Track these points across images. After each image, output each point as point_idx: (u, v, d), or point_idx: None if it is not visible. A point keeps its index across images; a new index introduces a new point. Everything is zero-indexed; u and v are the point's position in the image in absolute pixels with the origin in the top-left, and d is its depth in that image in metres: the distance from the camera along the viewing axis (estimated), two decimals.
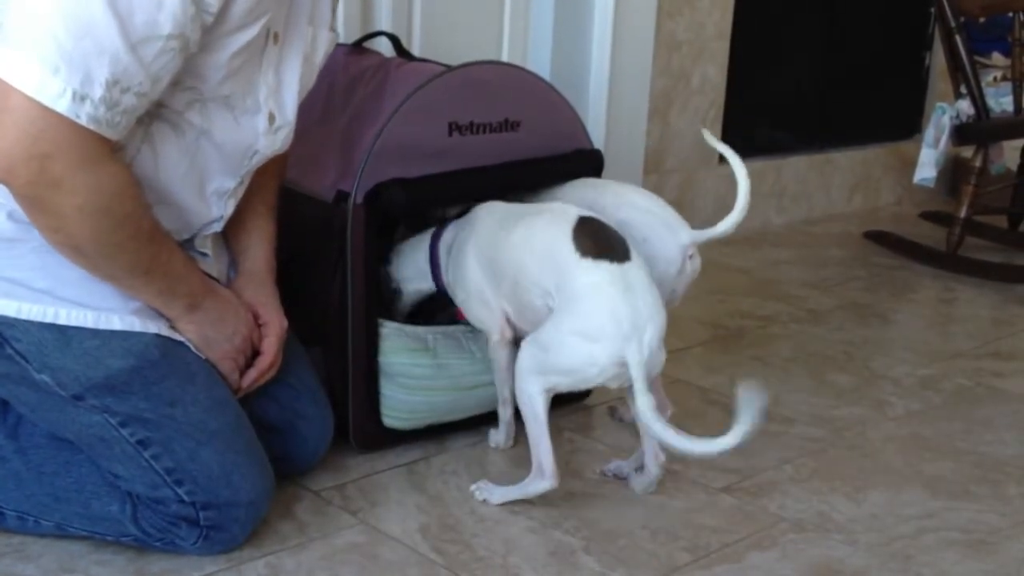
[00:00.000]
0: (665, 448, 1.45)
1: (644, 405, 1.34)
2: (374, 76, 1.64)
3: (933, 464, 1.68)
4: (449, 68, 1.59)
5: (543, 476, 1.45)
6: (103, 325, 1.25)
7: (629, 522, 1.46)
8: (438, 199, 1.60)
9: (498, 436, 1.64)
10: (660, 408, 1.50)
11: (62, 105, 1.10)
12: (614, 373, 1.38)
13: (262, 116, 1.33)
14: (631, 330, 1.36)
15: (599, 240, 1.43)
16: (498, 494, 1.49)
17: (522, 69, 1.71)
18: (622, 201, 1.58)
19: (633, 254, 1.43)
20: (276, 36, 1.30)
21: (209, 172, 1.33)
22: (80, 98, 1.11)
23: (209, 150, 1.31)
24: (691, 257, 1.55)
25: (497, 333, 1.55)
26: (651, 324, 1.38)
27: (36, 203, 1.16)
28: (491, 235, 1.53)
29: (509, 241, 1.49)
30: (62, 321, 1.24)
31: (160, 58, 1.15)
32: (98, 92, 1.11)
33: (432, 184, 1.55)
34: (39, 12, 1.09)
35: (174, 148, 1.28)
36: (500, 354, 1.56)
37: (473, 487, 1.51)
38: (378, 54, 1.73)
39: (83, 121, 1.12)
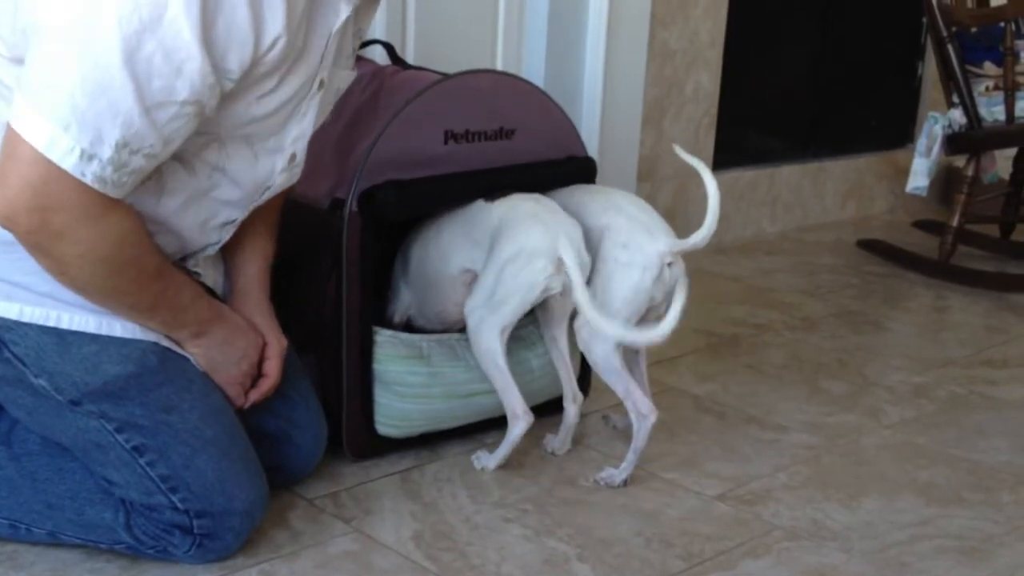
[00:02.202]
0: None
1: (581, 296, 1.46)
2: (369, 84, 1.64)
3: (927, 471, 1.68)
4: (444, 76, 1.60)
5: (518, 417, 1.54)
6: (104, 330, 1.26)
7: (623, 530, 1.46)
8: (431, 202, 1.60)
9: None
10: (645, 412, 1.52)
11: (69, 163, 1.10)
12: (554, 269, 1.49)
13: (283, 156, 1.32)
14: (556, 227, 1.50)
15: (504, 192, 1.58)
16: (492, 458, 1.58)
17: (517, 77, 1.72)
18: (608, 205, 1.59)
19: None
20: (322, 83, 1.29)
21: (217, 207, 1.32)
22: (88, 157, 1.11)
23: (222, 185, 1.30)
24: (670, 265, 1.54)
25: (398, 316, 1.69)
26: (571, 226, 1.52)
27: (38, 249, 1.17)
28: (418, 230, 1.65)
29: (422, 233, 1.63)
30: (64, 325, 1.24)
31: (174, 122, 1.14)
32: (107, 153, 1.11)
33: (425, 187, 1.56)
34: (58, 67, 1.09)
35: (182, 185, 1.27)
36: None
37: (473, 457, 1.61)
38: (372, 62, 1.73)
39: (88, 180, 1.12)
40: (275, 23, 1.16)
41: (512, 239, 1.51)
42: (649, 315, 1.56)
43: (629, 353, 1.61)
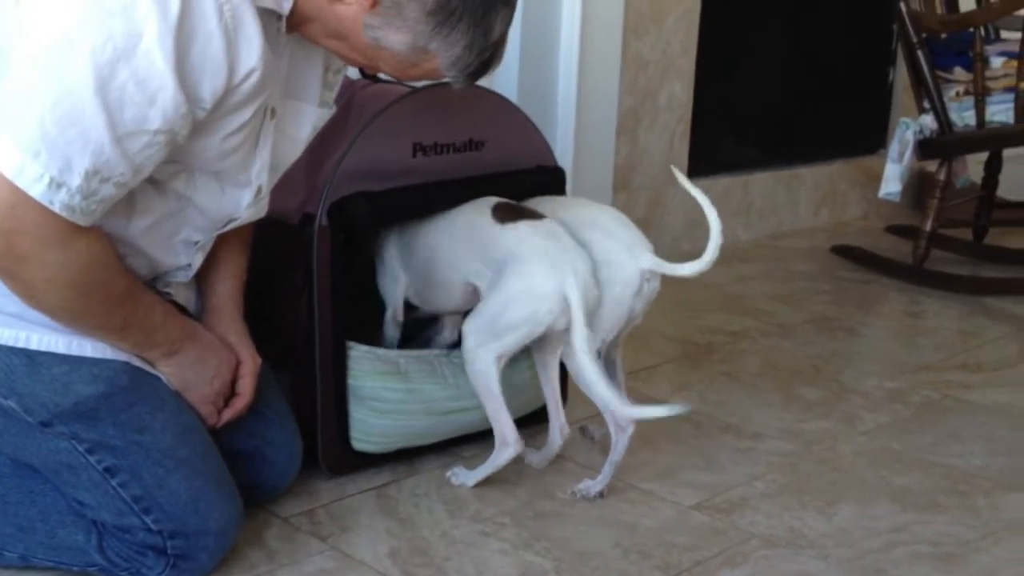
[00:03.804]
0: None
1: (580, 339, 1.46)
2: (339, 99, 1.63)
3: (902, 477, 1.69)
4: (413, 89, 1.60)
5: (507, 444, 1.53)
6: (75, 351, 1.25)
7: (600, 542, 1.46)
8: (401, 213, 1.60)
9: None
10: (624, 425, 1.53)
11: (37, 190, 1.10)
12: (560, 310, 1.48)
13: (250, 190, 1.32)
14: (566, 265, 1.48)
15: (514, 210, 1.57)
16: (472, 476, 1.57)
17: (485, 89, 1.72)
18: (584, 220, 1.58)
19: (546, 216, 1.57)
20: (272, 111, 1.29)
21: (179, 228, 1.32)
22: (57, 185, 1.10)
23: (187, 213, 1.30)
24: (648, 280, 1.55)
25: (391, 309, 1.67)
26: (580, 260, 1.49)
27: (6, 273, 1.16)
28: (413, 224, 1.64)
29: (429, 226, 1.61)
30: (33, 346, 1.24)
31: (145, 151, 1.14)
32: (76, 181, 1.11)
33: (395, 198, 1.55)
34: (30, 94, 1.09)
35: (153, 206, 1.27)
36: (390, 330, 1.68)
37: (449, 473, 1.59)
38: (344, 77, 1.73)
39: (56, 208, 1.11)
40: (250, 56, 1.16)
41: (520, 275, 1.49)
42: (626, 329, 1.58)
43: (607, 365, 1.61)
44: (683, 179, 1.55)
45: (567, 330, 1.49)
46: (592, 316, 1.50)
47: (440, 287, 1.62)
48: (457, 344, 1.61)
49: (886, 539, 1.50)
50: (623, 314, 1.54)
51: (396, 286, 1.67)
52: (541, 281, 1.48)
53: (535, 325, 1.49)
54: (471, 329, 1.52)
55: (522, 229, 1.53)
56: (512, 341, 1.50)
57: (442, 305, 1.65)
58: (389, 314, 1.68)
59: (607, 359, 1.61)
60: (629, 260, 1.54)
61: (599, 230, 1.57)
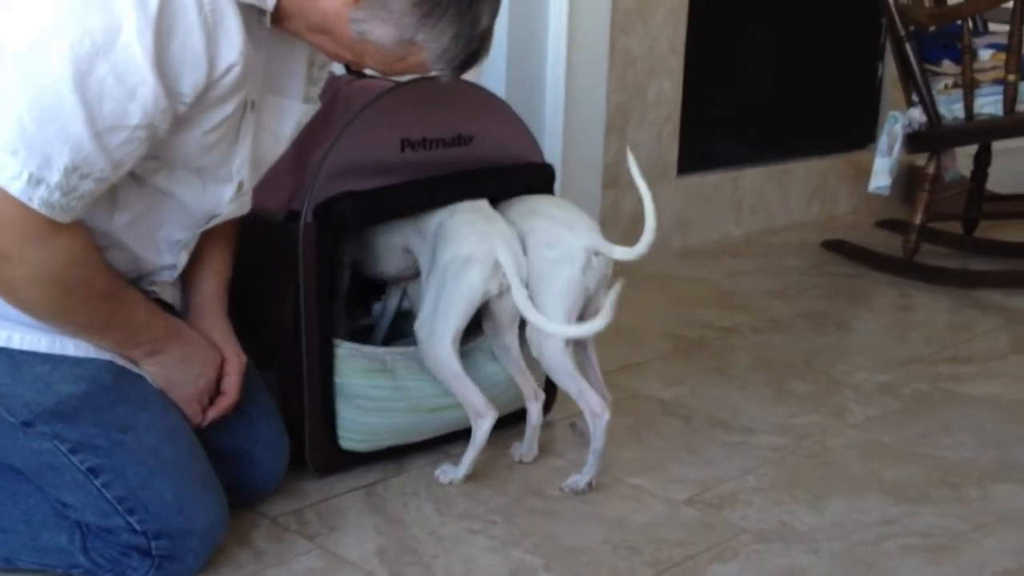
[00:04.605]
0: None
1: (520, 296, 1.49)
2: (324, 94, 1.62)
3: (893, 469, 1.68)
4: (399, 84, 1.59)
5: (481, 415, 1.54)
6: (57, 350, 1.24)
7: (590, 538, 1.45)
8: (389, 212, 1.59)
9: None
10: (599, 412, 1.54)
11: (15, 187, 1.09)
12: (491, 273, 1.52)
13: (231, 185, 1.31)
14: (490, 232, 1.53)
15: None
16: (460, 468, 1.57)
17: (472, 84, 1.71)
18: (528, 211, 1.61)
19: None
20: (252, 104, 1.27)
21: (162, 223, 1.31)
22: (36, 181, 1.09)
23: (169, 207, 1.29)
24: (596, 255, 1.56)
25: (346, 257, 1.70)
26: (506, 230, 1.55)
27: None
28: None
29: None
30: (15, 345, 1.23)
31: (125, 146, 1.13)
32: (55, 177, 1.10)
33: (382, 197, 1.54)
34: (8, 90, 1.08)
35: (135, 200, 1.26)
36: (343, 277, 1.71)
37: (437, 472, 1.58)
38: (330, 72, 1.71)
39: (35, 205, 1.10)
40: (231, 50, 1.15)
41: (449, 247, 1.53)
42: (588, 310, 1.56)
43: (581, 353, 1.61)
44: (633, 165, 1.56)
45: (502, 296, 1.53)
46: (525, 281, 1.53)
47: (377, 250, 1.65)
48: (405, 316, 1.68)
49: (877, 532, 1.49)
50: (579, 292, 1.55)
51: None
52: (468, 247, 1.52)
53: (472, 292, 1.52)
54: (419, 324, 1.55)
55: (452, 207, 1.57)
56: (456, 316, 1.53)
57: (383, 270, 1.68)
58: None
59: (579, 349, 1.61)
60: (571, 237, 1.56)
61: (541, 216, 1.59)
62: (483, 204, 1.59)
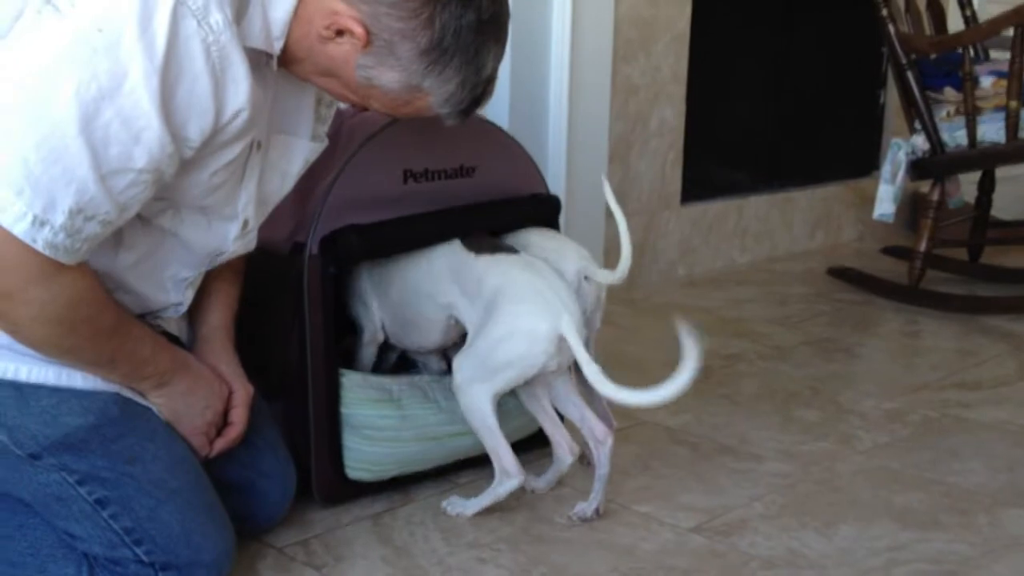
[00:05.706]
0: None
1: (591, 372, 1.43)
2: (330, 128, 1.64)
3: (902, 496, 1.67)
4: None
5: (509, 476, 1.51)
6: (64, 382, 1.24)
7: (599, 566, 1.44)
8: (394, 245, 1.59)
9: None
10: (601, 438, 1.55)
11: (20, 228, 1.09)
12: (555, 351, 1.46)
13: (237, 223, 1.31)
14: (557, 301, 1.46)
15: (487, 242, 1.57)
16: (471, 505, 1.54)
17: (474, 115, 1.72)
18: (517, 243, 1.61)
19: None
20: (259, 145, 1.28)
21: (167, 262, 1.31)
22: (40, 223, 1.09)
23: (174, 247, 1.30)
24: (586, 280, 1.57)
25: (369, 333, 1.65)
26: (568, 294, 1.48)
27: None
28: (386, 260, 1.62)
29: (404, 261, 1.59)
30: (23, 378, 1.23)
31: (130, 190, 1.13)
32: (59, 219, 1.10)
33: (387, 230, 1.55)
34: (14, 131, 1.08)
35: (140, 241, 1.26)
36: (367, 352, 1.66)
37: (444, 503, 1.56)
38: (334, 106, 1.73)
39: (39, 246, 1.10)
40: (238, 96, 1.15)
41: (512, 315, 1.47)
42: (587, 332, 1.55)
43: (586, 381, 1.60)
44: (608, 192, 1.58)
45: (556, 372, 1.49)
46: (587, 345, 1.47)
47: (418, 323, 1.60)
48: (446, 372, 1.60)
49: (886, 558, 1.48)
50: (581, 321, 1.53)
51: (369, 311, 1.64)
52: (536, 321, 1.45)
53: (529, 367, 1.47)
54: (461, 364, 1.50)
55: (501, 264, 1.51)
56: (505, 380, 1.48)
57: (421, 343, 1.63)
58: (367, 336, 1.65)
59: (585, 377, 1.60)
60: (560, 262, 1.56)
61: (529, 247, 1.59)
62: (531, 259, 1.53)
